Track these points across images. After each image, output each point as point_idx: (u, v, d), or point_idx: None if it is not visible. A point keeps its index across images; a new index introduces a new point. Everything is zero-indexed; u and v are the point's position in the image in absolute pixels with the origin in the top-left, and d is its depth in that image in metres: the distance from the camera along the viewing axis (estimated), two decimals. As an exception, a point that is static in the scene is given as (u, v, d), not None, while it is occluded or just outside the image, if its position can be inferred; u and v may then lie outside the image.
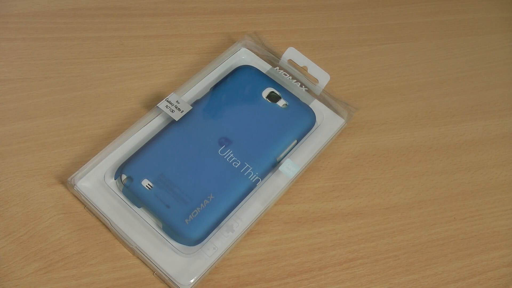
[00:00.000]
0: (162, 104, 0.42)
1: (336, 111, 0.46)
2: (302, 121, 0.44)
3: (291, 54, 0.47)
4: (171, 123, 0.42)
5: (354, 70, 0.52)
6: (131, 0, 0.52)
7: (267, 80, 0.46)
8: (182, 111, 0.42)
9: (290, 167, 0.41)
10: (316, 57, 0.50)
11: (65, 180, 0.40)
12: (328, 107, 0.46)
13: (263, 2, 0.55)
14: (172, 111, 0.42)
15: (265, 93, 0.45)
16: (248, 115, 0.43)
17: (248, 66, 0.47)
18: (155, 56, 0.49)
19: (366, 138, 0.47)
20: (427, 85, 0.52)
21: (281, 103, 0.44)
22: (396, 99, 0.50)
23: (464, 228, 0.43)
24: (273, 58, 0.48)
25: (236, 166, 0.40)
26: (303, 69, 0.47)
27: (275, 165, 0.42)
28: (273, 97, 0.44)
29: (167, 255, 0.37)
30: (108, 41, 0.49)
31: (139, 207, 0.38)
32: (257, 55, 0.49)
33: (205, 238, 0.38)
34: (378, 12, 0.57)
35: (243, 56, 0.49)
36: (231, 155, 0.41)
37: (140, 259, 0.38)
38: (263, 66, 0.48)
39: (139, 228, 0.38)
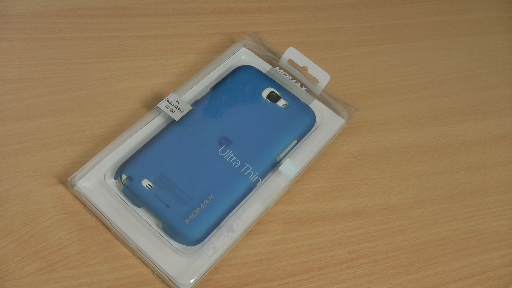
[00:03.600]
0: (162, 104, 0.42)
1: (336, 111, 0.46)
2: (302, 121, 0.44)
3: (291, 54, 0.47)
4: (171, 123, 0.42)
5: (354, 70, 0.52)
6: (131, 0, 0.52)
7: (267, 80, 0.46)
8: (182, 111, 0.42)
9: (290, 167, 0.41)
10: (316, 57, 0.50)
11: (65, 180, 0.40)
12: (328, 107, 0.46)
13: (263, 2, 0.55)
14: (172, 111, 0.42)
15: (265, 93, 0.45)
16: (248, 115, 0.43)
17: (248, 66, 0.47)
18: (155, 56, 0.49)
19: (366, 138, 0.47)
20: (427, 85, 0.52)
21: (281, 103, 0.44)
22: (396, 99, 0.50)
23: (464, 228, 0.43)
24: (273, 58, 0.48)
25: (236, 166, 0.40)
26: (303, 69, 0.47)
27: (275, 165, 0.42)
28: (273, 97, 0.44)
29: (167, 255, 0.37)
30: (108, 41, 0.49)
31: (139, 207, 0.38)
32: (257, 55, 0.49)
33: (205, 238, 0.38)
34: (378, 12, 0.57)
35: (243, 56, 0.49)
36: (231, 155, 0.41)
37: (140, 259, 0.38)
38: (263, 66, 0.48)
39: (139, 228, 0.38)
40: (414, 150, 0.47)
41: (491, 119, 0.50)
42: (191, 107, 0.42)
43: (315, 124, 0.45)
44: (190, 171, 0.39)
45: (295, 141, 0.43)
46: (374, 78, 0.51)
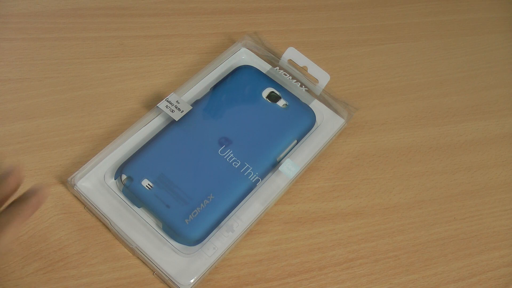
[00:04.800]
0: (162, 104, 0.42)
1: (336, 111, 0.46)
2: (302, 121, 0.44)
3: (291, 54, 0.47)
4: (171, 123, 0.42)
5: (354, 70, 0.52)
6: (131, 0, 0.52)
7: (267, 80, 0.46)
8: (182, 111, 0.42)
9: (290, 167, 0.41)
10: (316, 57, 0.50)
11: (65, 180, 0.40)
12: (328, 107, 0.46)
13: (263, 2, 0.55)
14: (172, 111, 0.42)
15: (265, 93, 0.45)
16: (248, 115, 0.43)
17: (248, 66, 0.47)
18: (155, 56, 0.49)
19: (366, 138, 0.47)
20: (427, 85, 0.52)
21: (281, 103, 0.44)
22: (396, 99, 0.50)
23: (464, 228, 0.43)
24: (273, 58, 0.48)
25: (236, 166, 0.40)
26: (303, 69, 0.47)
27: (275, 165, 0.42)
28: (273, 97, 0.44)
29: (167, 255, 0.37)
30: (108, 41, 0.49)
31: (139, 207, 0.38)
32: (257, 55, 0.49)
33: (205, 238, 0.38)
34: (378, 12, 0.57)
35: (243, 56, 0.49)
36: (231, 155, 0.41)
37: (140, 259, 0.38)
38: (263, 66, 0.48)
39: (139, 228, 0.38)
40: (414, 150, 0.47)
41: (491, 119, 0.50)
42: (191, 107, 0.42)
43: (315, 124, 0.45)
44: (190, 171, 0.39)
45: (295, 141, 0.43)
46: (374, 78, 0.51)
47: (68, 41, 0.48)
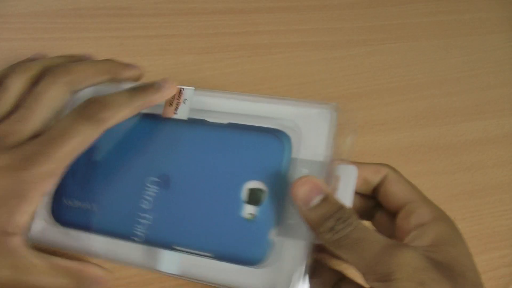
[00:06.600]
0: None
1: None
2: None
3: None
4: None
5: (354, 70, 0.52)
6: (131, 0, 0.52)
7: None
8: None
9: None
10: (316, 57, 0.50)
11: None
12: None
13: (263, 2, 0.55)
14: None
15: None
16: None
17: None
18: (155, 56, 0.49)
19: (366, 138, 0.47)
20: (427, 85, 0.52)
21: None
22: (396, 99, 0.50)
23: (464, 228, 0.43)
24: None
25: None
26: None
27: None
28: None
29: None
30: (108, 41, 0.49)
31: None
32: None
33: None
34: (378, 12, 0.57)
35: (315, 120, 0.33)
36: None
37: None
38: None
39: None
40: (414, 150, 0.47)
41: (491, 119, 0.50)
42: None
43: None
44: None
45: None
46: (374, 78, 0.51)
47: (68, 41, 0.48)
